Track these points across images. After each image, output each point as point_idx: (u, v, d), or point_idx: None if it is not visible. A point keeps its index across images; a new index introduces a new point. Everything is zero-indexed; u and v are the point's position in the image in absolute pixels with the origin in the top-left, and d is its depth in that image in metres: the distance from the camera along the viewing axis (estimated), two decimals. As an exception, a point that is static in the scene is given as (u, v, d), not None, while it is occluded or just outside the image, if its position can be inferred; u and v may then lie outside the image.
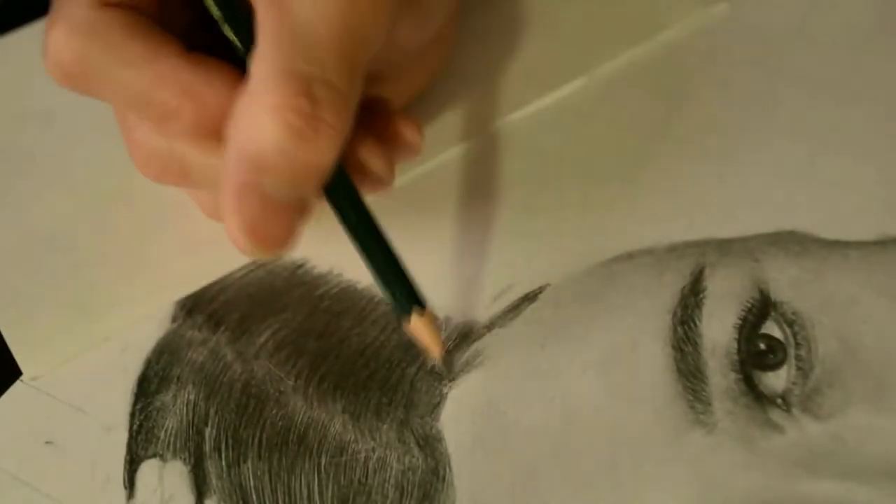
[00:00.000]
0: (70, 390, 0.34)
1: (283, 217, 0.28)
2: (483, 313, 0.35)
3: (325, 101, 0.28)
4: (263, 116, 0.27)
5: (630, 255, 0.35)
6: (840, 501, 0.29)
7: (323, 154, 0.28)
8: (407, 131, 0.32)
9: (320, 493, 0.31)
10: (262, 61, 0.28)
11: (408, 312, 0.31)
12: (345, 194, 0.31)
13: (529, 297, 0.35)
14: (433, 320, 0.32)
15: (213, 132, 0.29)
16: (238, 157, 0.28)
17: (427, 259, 0.36)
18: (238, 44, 0.30)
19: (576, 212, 0.37)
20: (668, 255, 0.35)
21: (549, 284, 0.35)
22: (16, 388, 0.34)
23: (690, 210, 0.36)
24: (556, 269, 0.36)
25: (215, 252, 0.36)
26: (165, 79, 0.29)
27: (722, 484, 0.30)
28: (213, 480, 0.32)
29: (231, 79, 0.29)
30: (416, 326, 0.31)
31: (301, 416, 0.33)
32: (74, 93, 0.30)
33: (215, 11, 0.30)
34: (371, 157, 0.31)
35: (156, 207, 0.38)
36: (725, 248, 0.35)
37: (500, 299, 0.35)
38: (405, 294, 0.31)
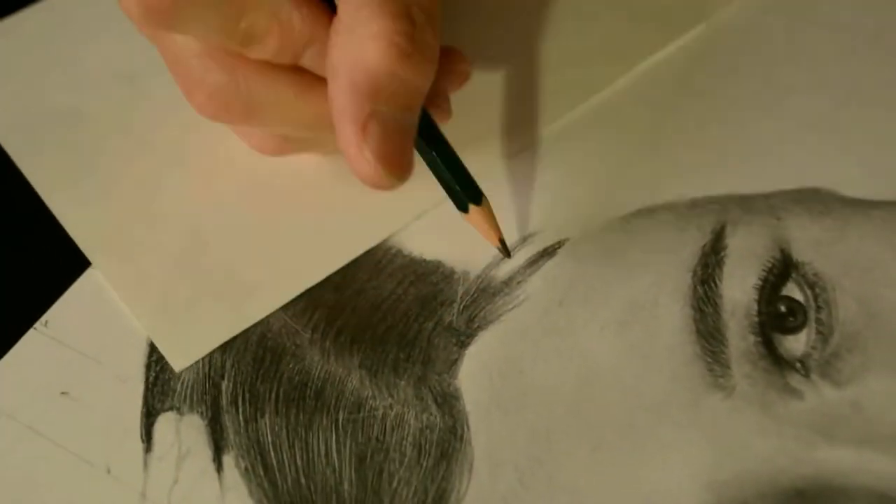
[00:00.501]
0: (84, 339, 0.34)
1: (405, 141, 0.29)
2: (501, 267, 0.34)
3: (423, 23, 0.28)
4: (370, 43, 0.28)
5: (650, 211, 0.35)
6: (856, 469, 0.30)
7: (427, 74, 0.29)
8: (458, 62, 0.33)
9: (338, 451, 0.31)
10: None
11: (465, 207, 0.33)
12: None
13: (548, 252, 0.34)
14: (490, 212, 0.33)
15: (293, 61, 0.30)
16: (351, 89, 0.28)
17: (443, 209, 0.36)
18: None
19: (596, 163, 0.36)
20: (689, 211, 0.35)
21: (567, 239, 0.35)
22: (30, 337, 0.34)
23: (712, 164, 0.36)
24: (576, 222, 0.35)
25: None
26: (254, 3, 0.29)
27: (738, 448, 0.30)
28: (231, 435, 0.32)
29: (317, 10, 0.29)
30: (475, 218, 0.33)
31: (318, 370, 0.33)
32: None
33: None
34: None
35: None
36: (747, 204, 0.35)
37: (518, 253, 0.34)
38: (464, 188, 0.32)
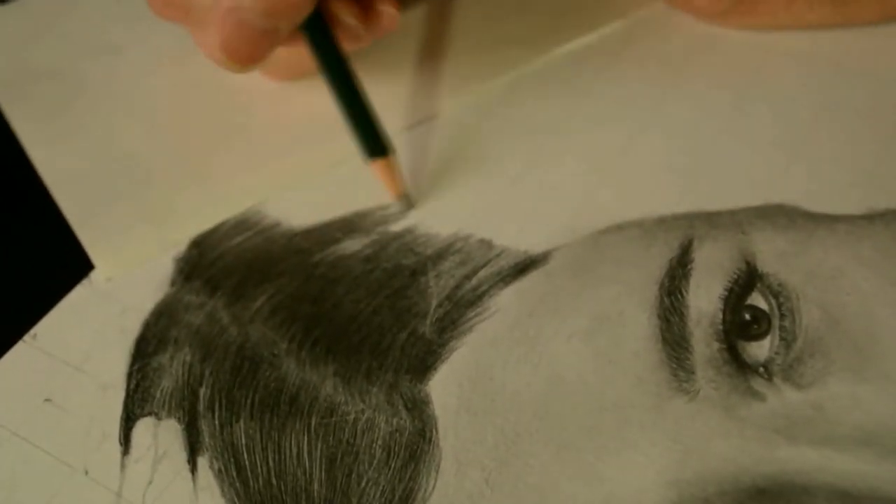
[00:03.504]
0: (70, 350, 0.35)
1: (255, 40, 0.34)
2: (471, 280, 0.35)
3: None
4: None
5: (620, 227, 0.36)
6: (817, 468, 0.30)
7: None
8: (386, 9, 0.37)
9: (309, 453, 0.32)
10: None
11: (372, 156, 0.36)
12: (321, 38, 0.36)
13: (520, 267, 0.35)
14: (394, 165, 0.37)
15: None
16: None
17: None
18: None
19: (566, 181, 0.37)
20: (657, 227, 0.36)
21: (539, 254, 0.36)
22: (18, 349, 0.35)
23: (680, 183, 0.37)
24: (547, 239, 0.36)
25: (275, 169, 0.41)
26: None
27: (701, 449, 0.31)
28: (206, 438, 0.33)
29: None
30: (378, 168, 0.37)
31: (293, 378, 0.34)
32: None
33: None
34: (344, 12, 0.36)
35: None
36: (714, 220, 0.36)
37: (489, 266, 0.35)
38: (371, 139, 0.36)
